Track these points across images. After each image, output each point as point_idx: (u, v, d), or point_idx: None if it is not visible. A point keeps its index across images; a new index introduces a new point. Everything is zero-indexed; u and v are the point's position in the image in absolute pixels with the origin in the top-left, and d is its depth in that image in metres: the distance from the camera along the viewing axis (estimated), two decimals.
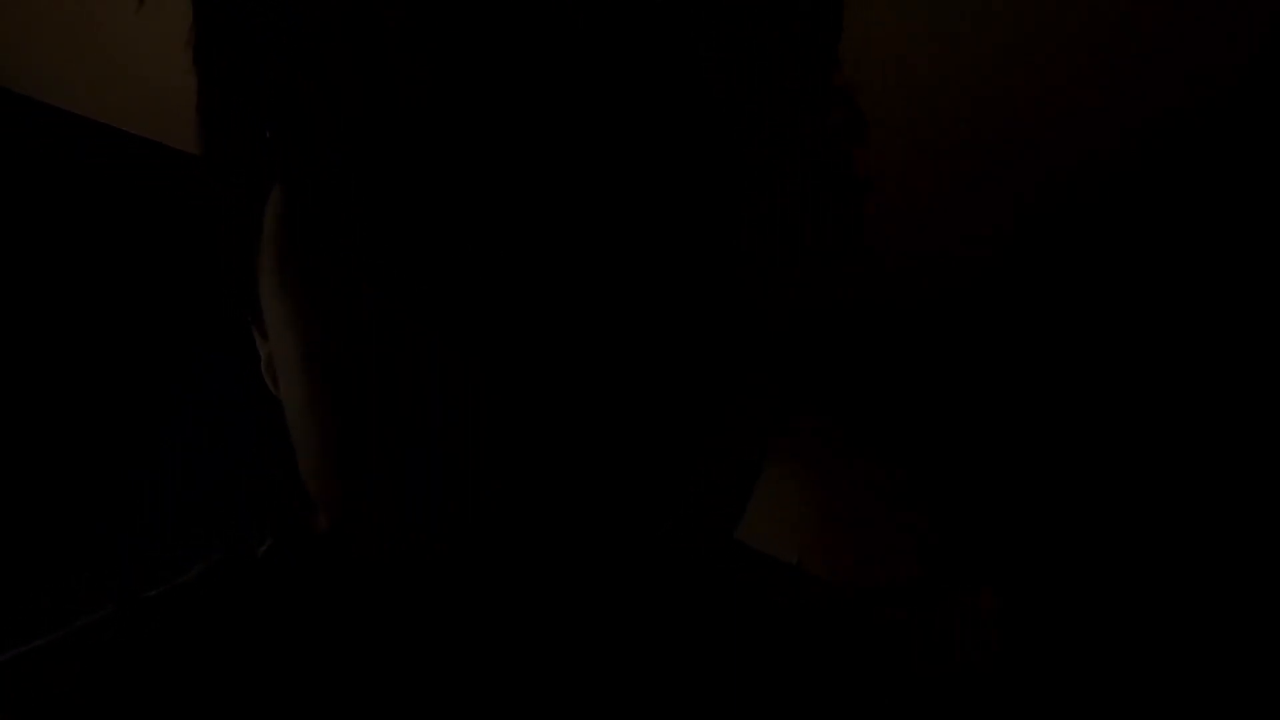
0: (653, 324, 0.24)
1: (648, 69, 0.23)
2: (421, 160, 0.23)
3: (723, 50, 0.24)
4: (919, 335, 2.67)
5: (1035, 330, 2.57)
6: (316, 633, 0.32)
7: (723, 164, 0.25)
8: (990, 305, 2.55)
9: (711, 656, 0.34)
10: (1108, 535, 2.37)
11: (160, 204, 1.77)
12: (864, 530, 2.64)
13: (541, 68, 0.22)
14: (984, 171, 1.98)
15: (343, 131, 0.23)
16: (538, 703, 0.27)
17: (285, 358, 0.26)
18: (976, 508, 2.59)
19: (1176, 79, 1.66)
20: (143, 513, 1.72)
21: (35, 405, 1.63)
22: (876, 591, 2.44)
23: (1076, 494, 2.45)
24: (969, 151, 1.90)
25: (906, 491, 2.66)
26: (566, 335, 0.23)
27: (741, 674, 0.35)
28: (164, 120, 1.75)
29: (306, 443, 0.26)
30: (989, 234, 2.25)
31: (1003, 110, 1.76)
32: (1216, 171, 1.92)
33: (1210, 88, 1.68)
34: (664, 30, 0.23)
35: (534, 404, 0.23)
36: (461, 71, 0.22)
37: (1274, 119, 1.74)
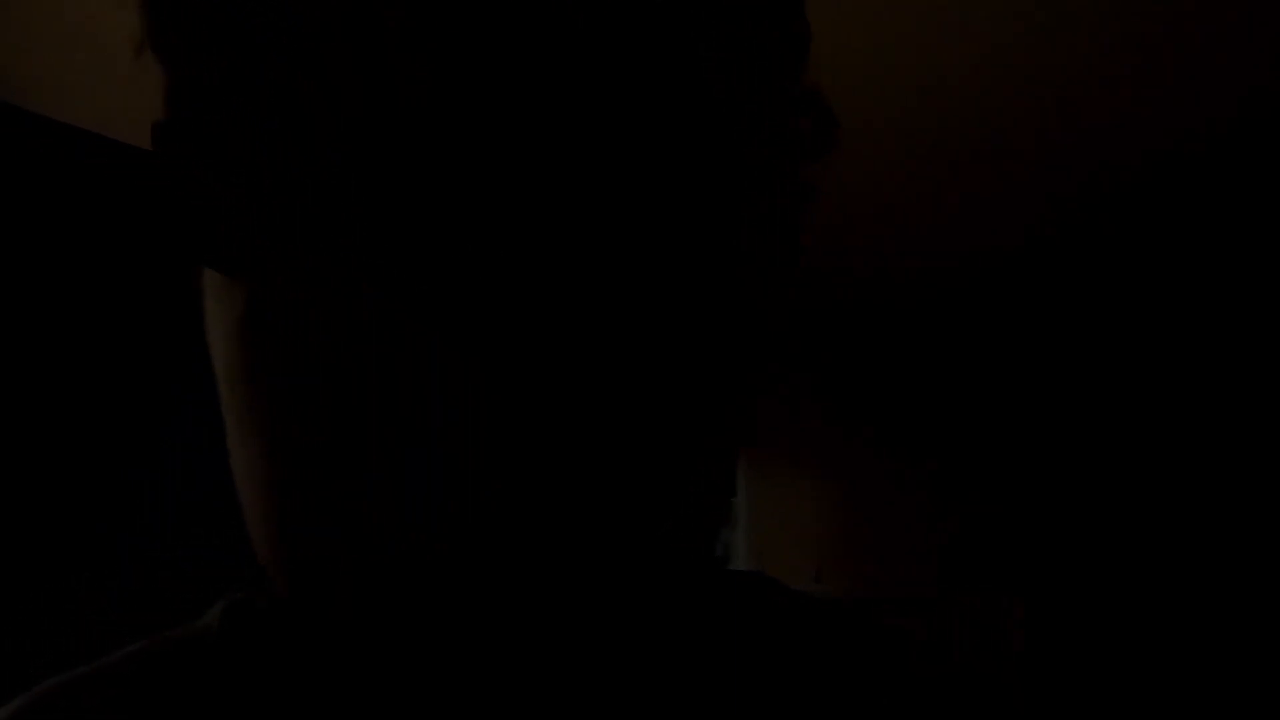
0: (653, 324, 0.24)
1: (648, 69, 0.23)
2: (421, 160, 0.23)
3: (723, 50, 0.24)
4: (932, 336, 2.67)
5: (1055, 331, 2.56)
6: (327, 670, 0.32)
7: (723, 164, 0.25)
8: (1003, 305, 2.55)
9: (711, 658, 0.34)
10: (1132, 539, 2.36)
11: (160, 204, 1.77)
12: (885, 537, 2.62)
13: (541, 68, 0.22)
14: (985, 172, 1.98)
15: (343, 131, 0.23)
16: (537, 704, 0.27)
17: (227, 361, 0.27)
18: (1000, 511, 2.58)
19: (1177, 80, 1.66)
20: (143, 513, 1.72)
21: (36, 405, 1.63)
22: (892, 603, 2.43)
23: (1100, 498, 2.44)
24: (970, 153, 1.90)
25: (929, 496, 2.65)
26: (566, 335, 0.23)
27: (741, 675, 0.35)
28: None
29: (303, 444, 0.26)
30: (989, 234, 2.25)
31: (1005, 112, 1.76)
32: (1217, 172, 1.93)
33: (1210, 90, 1.68)
34: (664, 30, 0.23)
35: (534, 404, 0.23)
36: (461, 71, 0.22)
37: (1274, 123, 1.74)
